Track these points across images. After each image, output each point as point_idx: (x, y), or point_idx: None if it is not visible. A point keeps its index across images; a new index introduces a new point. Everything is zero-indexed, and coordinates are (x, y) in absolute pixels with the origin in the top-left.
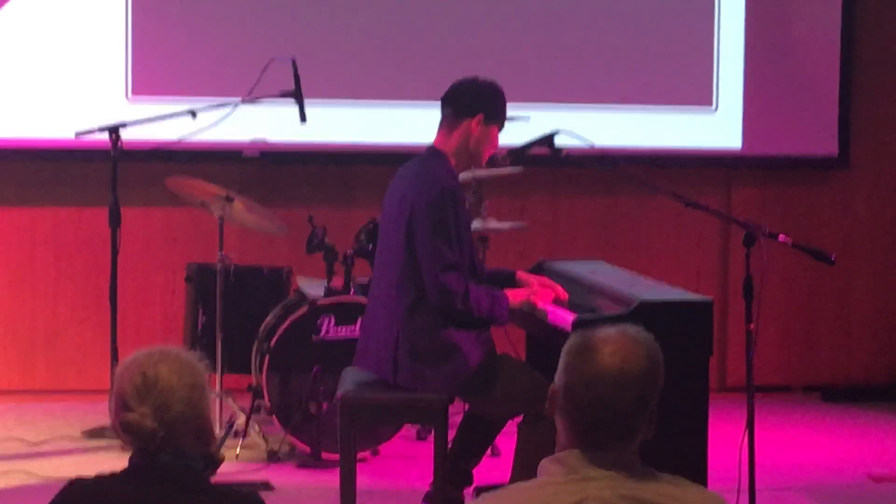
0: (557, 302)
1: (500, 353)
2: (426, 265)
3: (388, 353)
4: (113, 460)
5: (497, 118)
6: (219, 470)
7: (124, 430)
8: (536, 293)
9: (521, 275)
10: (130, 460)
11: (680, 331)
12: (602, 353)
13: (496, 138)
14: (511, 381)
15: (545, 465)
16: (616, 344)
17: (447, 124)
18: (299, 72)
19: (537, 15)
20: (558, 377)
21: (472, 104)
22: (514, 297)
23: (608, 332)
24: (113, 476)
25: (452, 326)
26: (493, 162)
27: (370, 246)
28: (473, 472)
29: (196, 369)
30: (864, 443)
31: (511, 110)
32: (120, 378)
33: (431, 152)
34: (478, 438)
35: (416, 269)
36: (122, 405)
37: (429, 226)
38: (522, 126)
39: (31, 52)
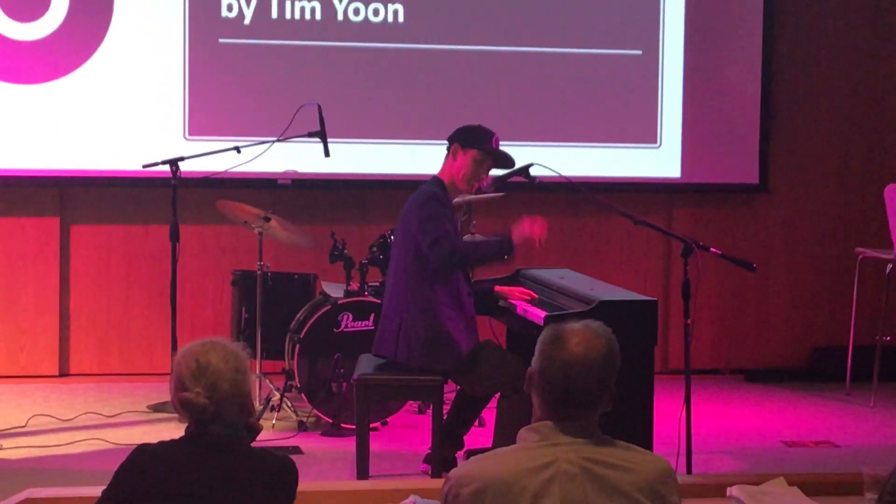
0: (532, 301)
1: (484, 339)
2: (421, 240)
3: (393, 336)
4: (172, 430)
5: (472, 146)
6: (258, 437)
7: (182, 405)
8: (536, 229)
9: (499, 288)
10: (187, 430)
11: (631, 324)
12: (570, 343)
13: (473, 164)
14: (493, 362)
15: (523, 433)
16: (581, 335)
17: (445, 158)
18: (324, 115)
19: (518, 72)
20: (534, 362)
21: (453, 137)
22: (517, 237)
23: (574, 325)
24: (172, 442)
25: (446, 319)
26: (480, 189)
27: (381, 256)
28: (465, 438)
29: (240, 356)
30: (780, 415)
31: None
32: (178, 364)
33: (432, 179)
34: (468, 411)
35: (418, 272)
36: (179, 385)
37: (419, 218)
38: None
39: (107, 99)
